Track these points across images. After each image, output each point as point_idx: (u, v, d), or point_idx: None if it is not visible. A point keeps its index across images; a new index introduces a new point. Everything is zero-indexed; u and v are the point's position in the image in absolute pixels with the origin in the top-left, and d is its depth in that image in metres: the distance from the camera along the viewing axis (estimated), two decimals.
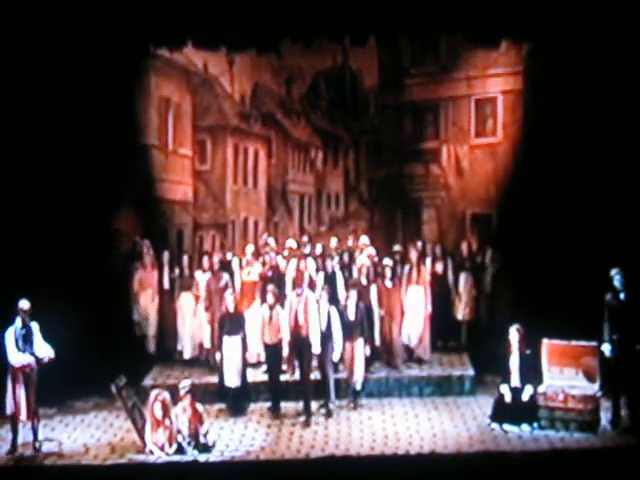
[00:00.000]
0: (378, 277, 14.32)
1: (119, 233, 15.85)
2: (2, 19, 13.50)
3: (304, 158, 18.63)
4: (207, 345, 14.44)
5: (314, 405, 13.06)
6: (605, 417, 12.31)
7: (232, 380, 13.13)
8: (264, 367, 13.77)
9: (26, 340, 11.87)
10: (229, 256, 15.32)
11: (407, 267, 14.61)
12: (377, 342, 14.22)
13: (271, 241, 15.64)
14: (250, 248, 14.95)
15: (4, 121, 13.89)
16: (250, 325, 13.61)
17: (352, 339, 13.26)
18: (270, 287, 13.57)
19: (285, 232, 17.89)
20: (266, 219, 18.18)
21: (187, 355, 14.85)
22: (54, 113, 14.09)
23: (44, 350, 11.94)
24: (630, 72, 13.82)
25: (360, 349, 13.29)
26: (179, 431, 11.69)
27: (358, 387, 13.42)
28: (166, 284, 15.09)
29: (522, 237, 15.14)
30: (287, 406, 13.24)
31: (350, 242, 15.92)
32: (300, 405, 13.08)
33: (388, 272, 14.22)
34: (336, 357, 13.16)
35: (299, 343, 13.05)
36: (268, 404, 13.34)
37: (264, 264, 14.70)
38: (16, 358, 11.83)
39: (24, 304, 11.92)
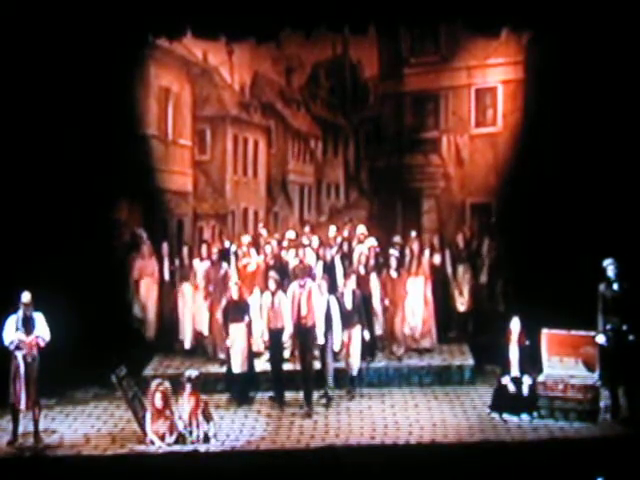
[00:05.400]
0: (382, 267, 14.29)
1: (119, 223, 15.87)
2: (2, 8, 13.49)
3: (304, 148, 18.61)
4: (206, 333, 14.46)
5: (315, 395, 13.04)
6: (605, 406, 12.31)
7: (239, 366, 13.09)
8: (266, 356, 13.74)
9: (26, 327, 11.84)
10: (227, 244, 15.32)
11: (407, 258, 14.58)
12: (380, 331, 14.24)
13: (264, 232, 15.62)
14: (246, 239, 14.92)
15: (3, 112, 13.87)
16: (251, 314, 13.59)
17: (349, 326, 13.24)
18: (271, 273, 13.57)
19: (285, 222, 17.88)
20: (266, 209, 18.15)
21: (187, 345, 14.86)
22: (54, 103, 14.07)
23: (45, 334, 11.93)
24: (630, 60, 13.80)
25: (357, 336, 13.27)
26: (180, 418, 11.73)
27: (354, 372, 13.37)
28: (166, 275, 15.09)
29: (522, 227, 15.13)
30: (288, 396, 13.22)
31: (346, 232, 15.80)
32: (300, 395, 13.04)
33: (394, 262, 14.20)
34: (337, 347, 13.15)
35: (302, 333, 13.01)
36: (269, 393, 13.31)
37: (264, 255, 14.68)
38: (10, 337, 11.74)
39: (25, 297, 11.90)
